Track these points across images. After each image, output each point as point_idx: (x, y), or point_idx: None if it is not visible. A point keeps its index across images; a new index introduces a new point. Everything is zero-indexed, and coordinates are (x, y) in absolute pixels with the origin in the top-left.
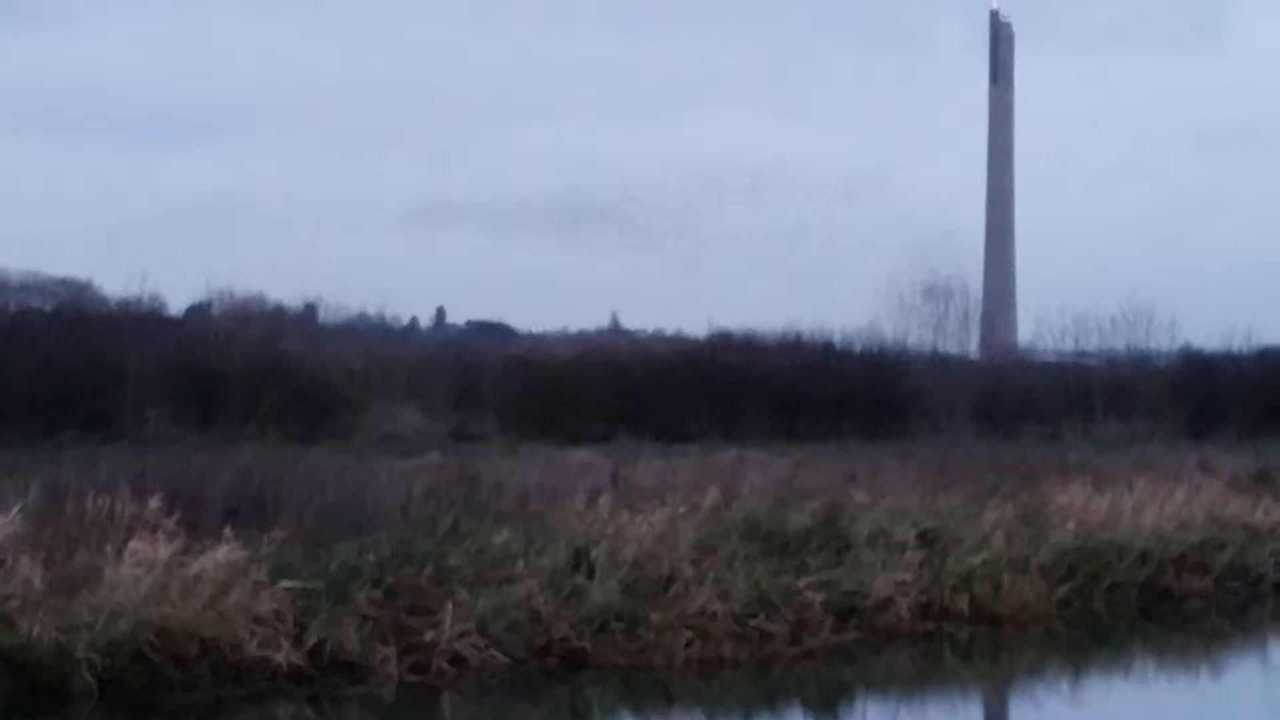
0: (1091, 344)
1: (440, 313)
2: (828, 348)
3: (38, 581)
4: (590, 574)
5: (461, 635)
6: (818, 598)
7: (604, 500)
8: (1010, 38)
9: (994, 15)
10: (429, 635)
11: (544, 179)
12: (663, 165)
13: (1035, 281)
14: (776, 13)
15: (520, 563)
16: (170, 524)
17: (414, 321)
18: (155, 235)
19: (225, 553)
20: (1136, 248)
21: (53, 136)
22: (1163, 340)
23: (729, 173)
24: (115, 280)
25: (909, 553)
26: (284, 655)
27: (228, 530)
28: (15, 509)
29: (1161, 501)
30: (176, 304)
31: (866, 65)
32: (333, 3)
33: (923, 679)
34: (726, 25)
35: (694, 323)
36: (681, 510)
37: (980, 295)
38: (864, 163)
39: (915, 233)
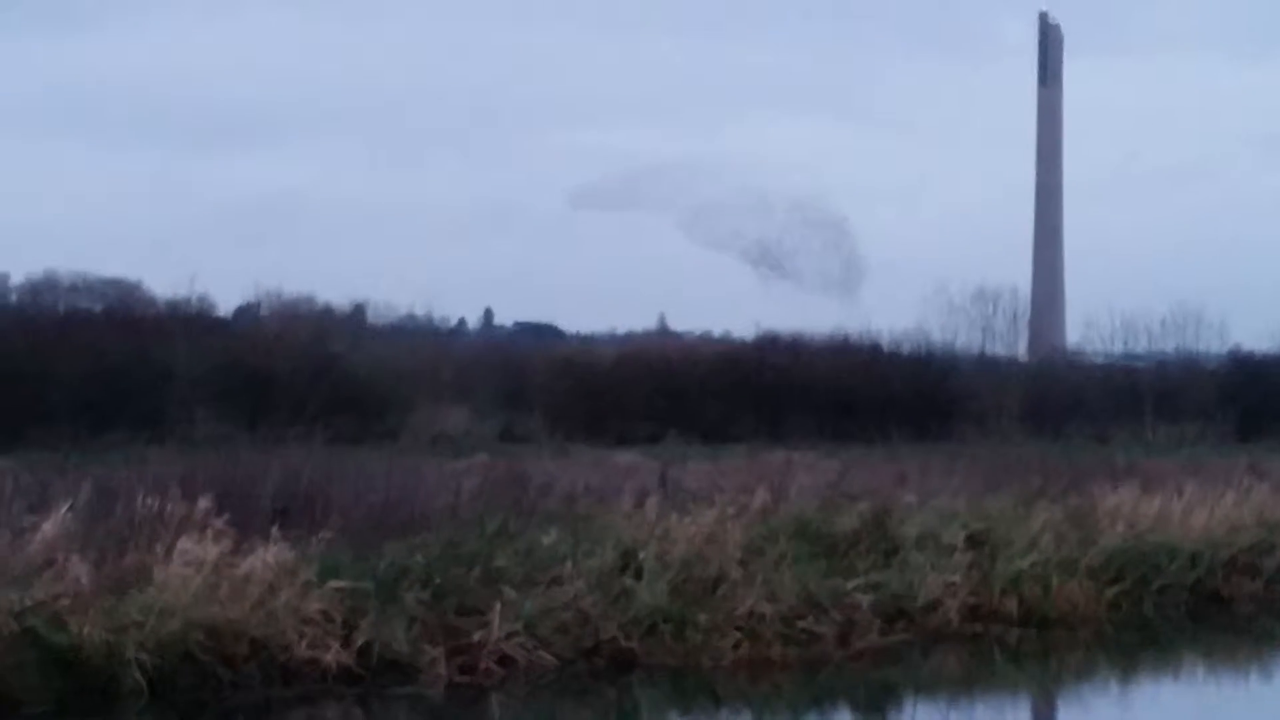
0: (1140, 346)
1: (488, 314)
2: (875, 350)
3: (88, 581)
4: (638, 575)
5: (510, 636)
6: (866, 599)
7: (652, 501)
8: (1060, 39)
9: (1043, 17)
10: (477, 636)
11: (594, 180)
12: (713, 167)
13: (1084, 284)
14: (831, 15)
15: (568, 564)
16: (219, 524)
17: (462, 322)
18: (205, 237)
19: (274, 553)
20: (1187, 250)
21: (103, 138)
22: (1212, 342)
23: (779, 174)
24: (165, 281)
25: (957, 554)
26: (333, 655)
27: (276, 530)
28: (65, 509)
29: (1211, 504)
30: (225, 305)
31: (921, 67)
32: (384, 5)
33: (971, 681)
34: (781, 28)
35: (742, 325)
36: (730, 511)
37: (1029, 297)
38: (915, 164)
39: (965, 234)
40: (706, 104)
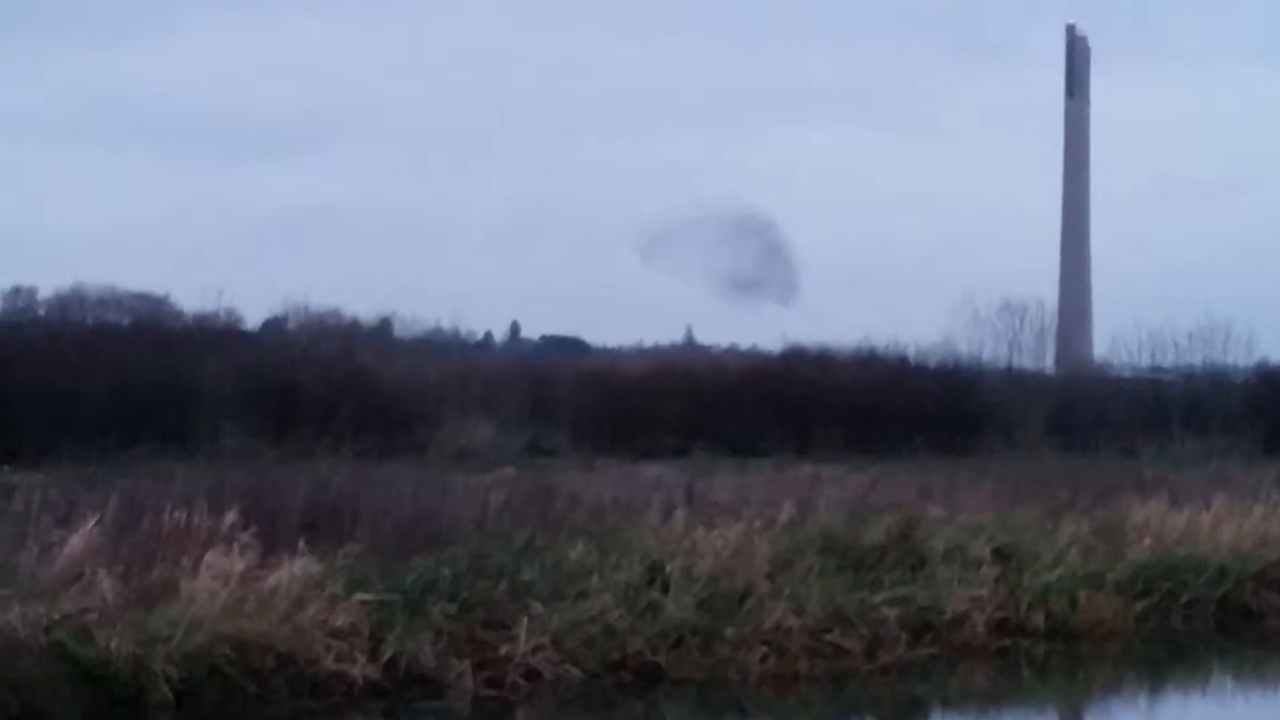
0: (1168, 359)
1: (514, 327)
2: (902, 363)
3: (115, 595)
4: (665, 589)
5: (536, 650)
6: (893, 613)
7: (679, 515)
8: (1087, 51)
9: (1070, 29)
10: (504, 649)
11: (625, 193)
12: (740, 178)
13: (1112, 297)
14: (857, 25)
15: (595, 577)
16: (246, 537)
17: (488, 336)
18: (231, 250)
19: (301, 566)
20: (1216, 263)
21: (131, 150)
22: (1240, 356)
23: (805, 185)
24: (192, 295)
25: (985, 568)
26: (360, 669)
27: (303, 544)
28: (93, 522)
29: (1239, 518)
30: (252, 318)
31: (949, 78)
32: (418, 15)
33: (998, 695)
34: (807, 39)
35: (768, 338)
36: (756, 525)
37: (1056, 310)
38: (941, 175)
39: (992, 247)
40: (736, 115)
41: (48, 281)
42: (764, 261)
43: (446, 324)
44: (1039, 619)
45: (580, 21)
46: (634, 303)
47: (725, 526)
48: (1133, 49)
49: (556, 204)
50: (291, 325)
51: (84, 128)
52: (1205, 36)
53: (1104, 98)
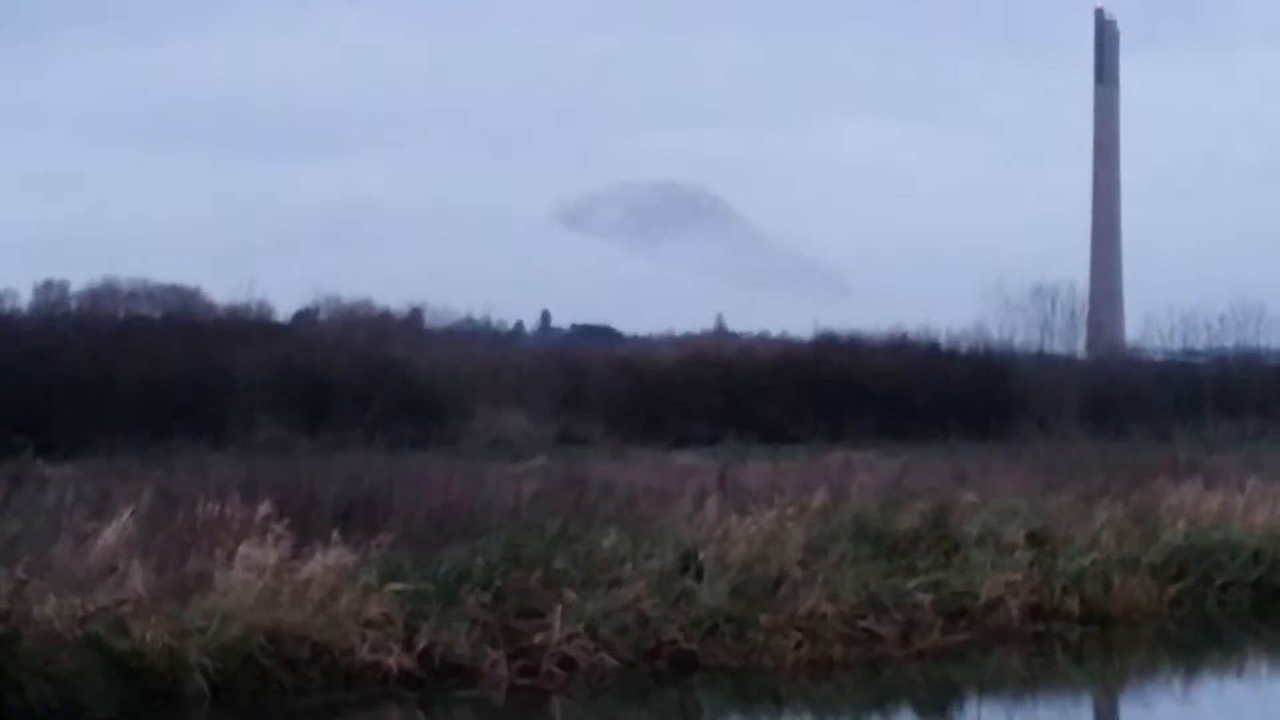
0: (1200, 342)
1: (545, 317)
2: (934, 348)
3: (150, 587)
4: (699, 576)
5: (571, 638)
6: (927, 598)
7: (712, 502)
8: (1115, 36)
9: (1099, 14)
10: (538, 638)
11: (662, 183)
12: (775, 167)
13: (1143, 280)
14: (890, 16)
15: (628, 565)
16: (280, 528)
17: (519, 326)
18: (264, 243)
19: (335, 557)
20: (1249, 246)
21: (163, 145)
22: (1273, 338)
23: (837, 174)
24: (223, 287)
25: (1018, 553)
26: (394, 659)
27: (337, 534)
28: (127, 515)
29: (1273, 500)
30: (284, 310)
31: (982, 67)
32: (450, 15)
33: (1033, 680)
34: (842, 30)
35: (800, 324)
36: (790, 512)
37: (1087, 294)
38: (977, 163)
39: (1024, 233)
40: (771, 107)
41: (79, 275)
42: (708, 230)
43: (477, 314)
44: (1073, 603)
45: (616, 19)
46: (665, 291)
47: (758, 513)
48: (1174, 33)
49: (589, 195)
50: (323, 316)
51: (116, 124)
52: (1247, 20)
53: (1143, 83)
